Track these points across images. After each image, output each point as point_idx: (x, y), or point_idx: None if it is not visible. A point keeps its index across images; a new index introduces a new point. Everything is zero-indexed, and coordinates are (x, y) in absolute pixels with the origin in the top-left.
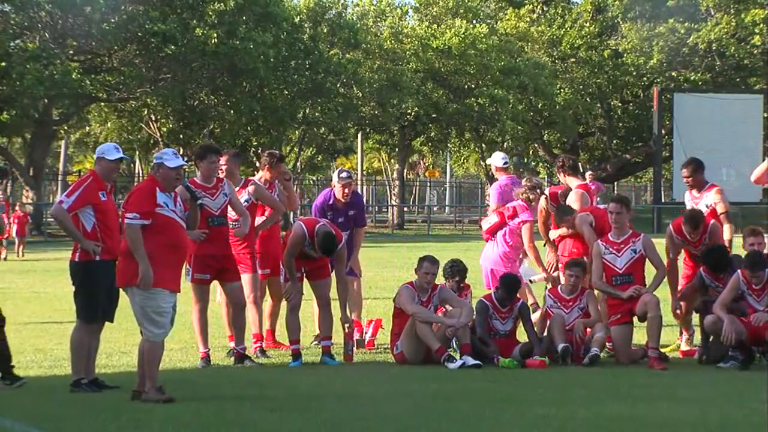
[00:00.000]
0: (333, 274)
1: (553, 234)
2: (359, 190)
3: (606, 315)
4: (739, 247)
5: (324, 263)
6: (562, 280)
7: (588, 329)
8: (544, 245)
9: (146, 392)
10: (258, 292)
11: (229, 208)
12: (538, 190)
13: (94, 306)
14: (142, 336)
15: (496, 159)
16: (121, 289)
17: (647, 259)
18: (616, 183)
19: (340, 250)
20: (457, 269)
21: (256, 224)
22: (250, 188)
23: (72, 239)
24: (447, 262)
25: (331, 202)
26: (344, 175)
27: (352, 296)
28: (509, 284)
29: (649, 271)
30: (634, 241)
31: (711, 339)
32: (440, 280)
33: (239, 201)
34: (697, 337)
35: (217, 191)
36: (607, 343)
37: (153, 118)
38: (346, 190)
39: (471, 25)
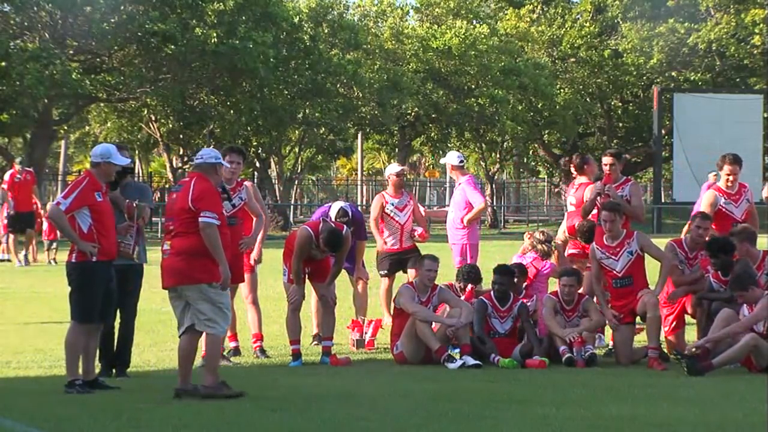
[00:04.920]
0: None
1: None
2: (359, 190)
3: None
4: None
5: (327, 264)
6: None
7: (581, 336)
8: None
9: (207, 387)
10: (256, 293)
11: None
12: (549, 243)
13: (90, 307)
14: (182, 334)
15: (452, 158)
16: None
17: (647, 256)
18: None
19: (342, 247)
20: (472, 276)
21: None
22: (248, 189)
23: (69, 240)
24: (464, 266)
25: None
26: (344, 221)
27: (358, 297)
28: (503, 271)
29: (650, 271)
30: (629, 242)
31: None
32: (440, 280)
33: (256, 205)
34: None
35: (234, 194)
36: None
37: (153, 118)
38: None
39: (471, 26)
